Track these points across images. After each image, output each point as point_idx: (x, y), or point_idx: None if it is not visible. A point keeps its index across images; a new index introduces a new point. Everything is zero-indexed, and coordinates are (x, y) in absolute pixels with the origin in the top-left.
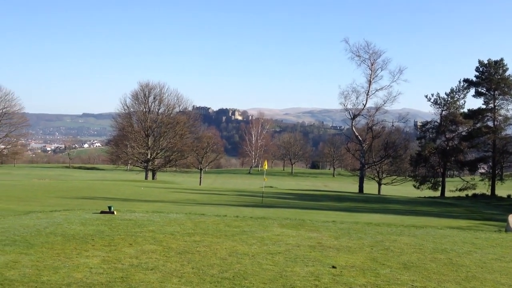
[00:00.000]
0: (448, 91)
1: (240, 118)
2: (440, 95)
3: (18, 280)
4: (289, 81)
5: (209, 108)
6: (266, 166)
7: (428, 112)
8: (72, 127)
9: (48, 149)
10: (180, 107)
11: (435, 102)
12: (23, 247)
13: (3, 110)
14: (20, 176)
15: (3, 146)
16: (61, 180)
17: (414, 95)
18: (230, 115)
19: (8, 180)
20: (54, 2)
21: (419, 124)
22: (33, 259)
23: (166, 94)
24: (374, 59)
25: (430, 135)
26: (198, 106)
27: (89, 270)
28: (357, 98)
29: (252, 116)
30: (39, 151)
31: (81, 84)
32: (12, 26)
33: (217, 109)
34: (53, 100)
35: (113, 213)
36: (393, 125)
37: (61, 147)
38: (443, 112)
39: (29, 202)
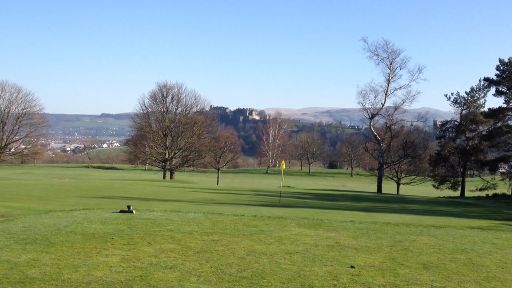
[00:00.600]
0: (468, 90)
1: (257, 118)
2: (460, 94)
3: (39, 278)
4: (307, 81)
5: (226, 108)
6: (284, 165)
7: (448, 111)
8: (91, 127)
9: (68, 149)
10: (198, 107)
11: (455, 101)
12: (44, 245)
13: (24, 111)
14: (40, 175)
15: (23, 146)
16: (81, 180)
17: (433, 94)
18: (247, 115)
19: (29, 180)
20: (72, 3)
21: (438, 123)
22: (53, 257)
23: (184, 94)
24: (392, 58)
25: (450, 135)
26: (215, 106)
27: (109, 269)
28: (375, 97)
29: (269, 116)
30: (59, 151)
31: (100, 84)
32: (33, 29)
33: (235, 109)
34: (73, 101)
35: (132, 212)
36: (412, 125)
37: (80, 147)
38: (463, 111)
39: (49, 201)
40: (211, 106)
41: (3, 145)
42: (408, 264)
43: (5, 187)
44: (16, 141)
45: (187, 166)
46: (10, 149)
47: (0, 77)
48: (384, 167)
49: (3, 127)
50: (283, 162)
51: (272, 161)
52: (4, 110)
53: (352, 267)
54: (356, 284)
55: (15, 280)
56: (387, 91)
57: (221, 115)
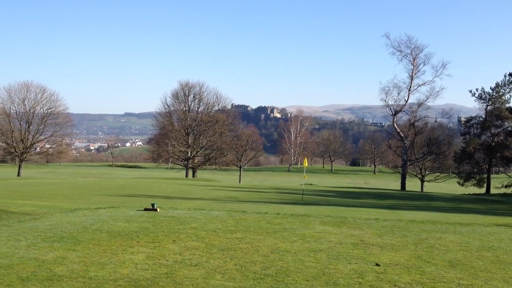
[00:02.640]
0: (493, 85)
1: (278, 115)
2: (485, 90)
3: (67, 275)
4: (328, 78)
5: (247, 106)
6: (306, 163)
7: (473, 107)
8: (114, 127)
9: (92, 148)
10: (219, 106)
11: (480, 97)
12: (70, 243)
13: (49, 111)
14: (65, 174)
15: (48, 146)
16: (105, 178)
17: (458, 90)
18: (268, 112)
19: (54, 179)
20: (96, 4)
21: (463, 119)
22: (80, 255)
23: (206, 93)
24: (416, 54)
25: (475, 131)
26: (237, 104)
27: (135, 266)
28: (398, 94)
29: (291, 114)
30: (83, 150)
31: (123, 84)
32: (58, 30)
33: (256, 107)
34: (96, 100)
35: (156, 210)
36: (436, 121)
37: (104, 146)
38: (488, 107)
39: (75, 199)
40: (232, 104)
41: (29, 145)
42: (434, 262)
43: (31, 186)
44: (41, 140)
45: (209, 164)
46: (36, 149)
47: (25, 78)
48: (408, 164)
49: (28, 127)
50: (305, 160)
51: (294, 159)
52: (29, 110)
53: (377, 265)
54: (382, 282)
55: (43, 277)
56: (410, 87)
57: (243, 113)
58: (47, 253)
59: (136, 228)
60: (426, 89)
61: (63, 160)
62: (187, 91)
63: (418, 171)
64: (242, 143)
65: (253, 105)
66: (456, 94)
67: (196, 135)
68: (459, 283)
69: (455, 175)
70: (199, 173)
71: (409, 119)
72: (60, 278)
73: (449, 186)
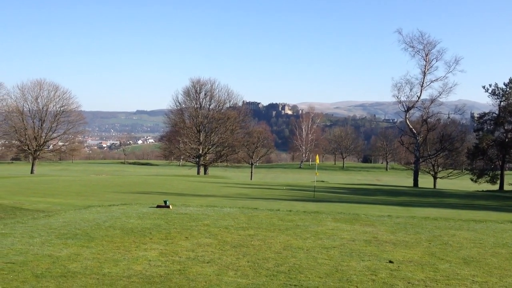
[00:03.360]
0: (506, 81)
1: (290, 112)
2: (499, 86)
3: (81, 272)
4: (340, 75)
5: (259, 103)
6: (318, 160)
7: (486, 103)
8: (126, 124)
9: (104, 145)
10: (231, 103)
11: (493, 93)
12: (84, 240)
13: (61, 108)
14: (78, 172)
15: (61, 143)
16: (117, 176)
17: (471, 86)
18: (280, 109)
19: (67, 176)
20: (108, 2)
21: (476, 115)
22: (94, 251)
23: (217, 90)
24: (428, 50)
25: (488, 127)
26: (248, 101)
27: (148, 263)
28: (411, 90)
29: (302, 111)
30: (96, 147)
31: (134, 82)
32: (70, 28)
33: (267, 104)
34: (108, 98)
35: (168, 207)
36: (449, 117)
37: (116, 143)
38: (502, 103)
39: (88, 197)
40: (243, 101)
41: (42, 143)
42: (448, 259)
43: (45, 183)
44: (54, 138)
45: (220, 162)
46: (49, 146)
47: (38, 76)
48: (421, 160)
49: (41, 125)
50: (317, 156)
51: (305, 156)
52: (42, 108)
53: (390, 262)
54: (395, 279)
55: (57, 274)
56: (423, 83)
57: (254, 110)
58: (61, 250)
59: (149, 225)
60: (439, 85)
61: (75, 158)
62: (198, 89)
63: (431, 168)
64: (254, 140)
65: (264, 102)
66: (469, 90)
67: (207, 132)
68: (473, 280)
69: (468, 172)
70: (211, 170)
71: (421, 115)
72: (74, 275)
73: (462, 182)
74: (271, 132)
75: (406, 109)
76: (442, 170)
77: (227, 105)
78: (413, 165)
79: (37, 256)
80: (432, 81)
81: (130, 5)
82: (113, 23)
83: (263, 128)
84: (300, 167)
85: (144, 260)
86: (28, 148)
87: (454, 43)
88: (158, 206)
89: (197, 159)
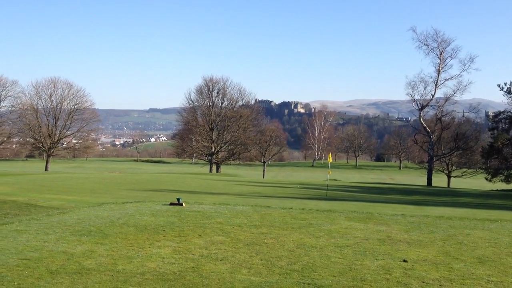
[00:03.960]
0: None
1: (302, 110)
2: None
3: (95, 269)
4: (353, 73)
5: (271, 101)
6: (331, 158)
7: (501, 101)
8: (139, 122)
9: (117, 143)
10: (243, 101)
11: (508, 92)
12: (98, 237)
13: (75, 106)
14: (92, 169)
15: (75, 141)
16: (130, 173)
17: (485, 84)
18: (292, 108)
19: (81, 173)
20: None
21: (491, 114)
22: (108, 248)
23: (229, 88)
24: (443, 48)
25: (503, 126)
26: (260, 99)
27: (162, 260)
28: (425, 88)
29: (314, 109)
30: (109, 145)
31: (147, 80)
32: (83, 26)
33: (280, 102)
34: (121, 96)
35: (181, 205)
36: (463, 116)
37: (129, 141)
38: None
39: (102, 194)
40: (256, 99)
41: (56, 140)
42: (462, 259)
43: (59, 180)
44: (68, 136)
45: (233, 160)
46: (63, 144)
47: (52, 74)
48: (435, 159)
49: (55, 123)
50: (330, 155)
51: (318, 154)
52: (56, 106)
53: (404, 261)
54: (410, 278)
55: (72, 270)
56: (437, 81)
57: (266, 109)
58: (76, 247)
59: (163, 222)
60: (453, 84)
61: (89, 155)
62: (211, 87)
63: (445, 167)
64: (266, 138)
65: (277, 100)
66: (483, 88)
67: (220, 130)
68: (488, 280)
69: (482, 171)
70: (223, 168)
71: (435, 113)
72: (89, 271)
73: (476, 181)
74: (283, 130)
75: (420, 107)
76: (456, 169)
77: (240, 103)
78: (426, 164)
79: (52, 253)
80: (446, 80)
81: (144, 4)
82: (127, 21)
83: (275, 126)
84: (312, 166)
85: (158, 257)
86: (42, 145)
87: (469, 41)
88: (171, 204)
89: (210, 157)
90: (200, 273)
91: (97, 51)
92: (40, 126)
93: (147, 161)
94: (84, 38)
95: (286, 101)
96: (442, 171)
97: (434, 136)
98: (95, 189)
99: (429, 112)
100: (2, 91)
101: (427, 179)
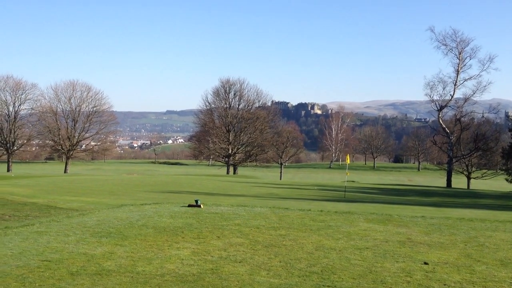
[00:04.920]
0: None
1: (319, 112)
2: None
3: (115, 270)
4: (370, 73)
5: (288, 102)
6: (349, 160)
7: None
8: (156, 124)
9: (135, 145)
10: (260, 102)
11: None
12: (118, 238)
13: (94, 109)
14: (110, 171)
15: (94, 143)
16: (148, 175)
17: (505, 84)
18: (309, 109)
19: (100, 175)
20: (138, 3)
21: (511, 114)
22: (127, 250)
23: (246, 90)
24: (462, 48)
25: None
26: (277, 101)
27: (181, 262)
28: (444, 88)
29: (331, 110)
30: (127, 147)
31: (164, 82)
32: (103, 31)
33: (296, 103)
34: (139, 99)
35: (200, 206)
36: (483, 116)
37: (146, 143)
38: None
39: (120, 196)
40: (272, 101)
41: (75, 142)
42: (484, 261)
43: (78, 182)
44: (87, 138)
45: (250, 161)
46: (81, 146)
47: (71, 77)
48: (454, 160)
49: (74, 125)
50: (348, 156)
51: (335, 156)
52: (75, 109)
53: (425, 263)
54: (431, 280)
55: (92, 272)
56: (456, 82)
57: (283, 110)
58: (96, 248)
59: (181, 224)
60: (473, 84)
61: (107, 157)
62: (227, 88)
63: (464, 168)
64: (283, 140)
65: (293, 101)
66: (503, 88)
67: (236, 132)
68: (511, 282)
69: (503, 172)
70: (240, 170)
71: (455, 114)
72: (109, 273)
73: (497, 183)
74: (300, 131)
75: (439, 108)
76: (476, 170)
77: (256, 104)
78: (446, 165)
79: (72, 254)
80: (465, 80)
81: (162, 7)
82: (145, 24)
83: (292, 127)
84: (329, 167)
85: (177, 259)
86: (62, 148)
87: (488, 41)
88: (190, 206)
89: (227, 159)
90: (219, 274)
91: (115, 54)
92: (59, 129)
93: (164, 163)
94: (103, 41)
95: (303, 102)
96: (462, 172)
97: (454, 137)
98: (114, 191)
99: (448, 113)
100: (22, 94)
101: (447, 180)
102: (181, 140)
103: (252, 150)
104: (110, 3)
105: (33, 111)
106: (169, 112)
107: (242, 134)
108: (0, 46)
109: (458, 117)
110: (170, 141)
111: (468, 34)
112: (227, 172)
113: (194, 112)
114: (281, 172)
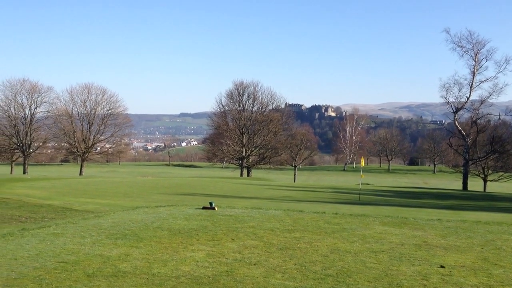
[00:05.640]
0: None
1: (333, 114)
2: None
3: (131, 272)
4: (384, 75)
5: (301, 105)
6: (363, 162)
7: None
8: (170, 127)
9: (149, 147)
10: (274, 105)
11: None
12: (133, 240)
13: (109, 112)
14: (125, 173)
15: (108, 146)
16: (162, 177)
17: None
18: (323, 111)
19: (114, 178)
20: (150, 5)
21: None
22: (143, 252)
23: (260, 92)
24: (478, 49)
25: None
26: (291, 103)
27: (196, 264)
28: (459, 90)
29: (345, 112)
30: (141, 149)
31: (178, 85)
32: (117, 35)
33: (310, 105)
34: (153, 101)
35: (214, 208)
36: (499, 119)
37: (161, 145)
38: None
39: (135, 198)
40: (286, 103)
41: (90, 145)
42: (502, 264)
43: (93, 184)
44: (102, 140)
45: (263, 164)
46: (97, 149)
47: (86, 80)
48: (470, 163)
49: (90, 128)
50: (362, 159)
51: (349, 158)
52: (90, 111)
53: (442, 266)
54: (447, 284)
55: (108, 273)
56: (472, 83)
57: (297, 112)
58: (111, 250)
59: (196, 226)
60: (489, 86)
61: (122, 160)
62: (241, 91)
63: (481, 171)
64: (297, 142)
65: (307, 104)
66: None
67: (250, 134)
68: None
69: None
70: (254, 172)
71: (471, 116)
72: (125, 275)
73: None
74: (314, 134)
75: (454, 110)
76: (493, 173)
77: (270, 107)
78: (462, 168)
79: (88, 256)
80: (481, 82)
81: (176, 9)
82: (159, 28)
83: (306, 130)
84: (344, 170)
85: (192, 261)
86: (77, 150)
87: (504, 42)
88: (204, 208)
89: (240, 161)
90: (234, 277)
91: (130, 57)
92: (75, 131)
93: (178, 165)
94: (119, 45)
95: (317, 104)
96: (478, 175)
97: (470, 139)
98: (129, 193)
99: (464, 115)
100: (38, 97)
101: (463, 183)
102: (195, 142)
103: (266, 152)
104: (124, 5)
105: (49, 114)
106: (183, 115)
107: (256, 136)
108: (17, 49)
109: (474, 119)
110: (184, 144)
111: (484, 35)
112: (241, 175)
113: (208, 115)
114: (295, 175)
